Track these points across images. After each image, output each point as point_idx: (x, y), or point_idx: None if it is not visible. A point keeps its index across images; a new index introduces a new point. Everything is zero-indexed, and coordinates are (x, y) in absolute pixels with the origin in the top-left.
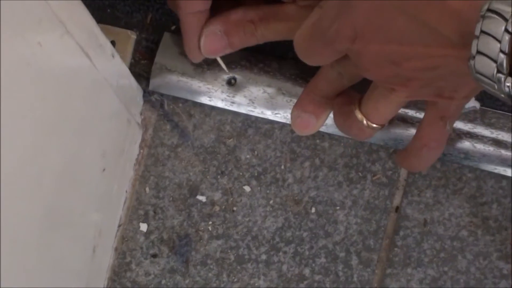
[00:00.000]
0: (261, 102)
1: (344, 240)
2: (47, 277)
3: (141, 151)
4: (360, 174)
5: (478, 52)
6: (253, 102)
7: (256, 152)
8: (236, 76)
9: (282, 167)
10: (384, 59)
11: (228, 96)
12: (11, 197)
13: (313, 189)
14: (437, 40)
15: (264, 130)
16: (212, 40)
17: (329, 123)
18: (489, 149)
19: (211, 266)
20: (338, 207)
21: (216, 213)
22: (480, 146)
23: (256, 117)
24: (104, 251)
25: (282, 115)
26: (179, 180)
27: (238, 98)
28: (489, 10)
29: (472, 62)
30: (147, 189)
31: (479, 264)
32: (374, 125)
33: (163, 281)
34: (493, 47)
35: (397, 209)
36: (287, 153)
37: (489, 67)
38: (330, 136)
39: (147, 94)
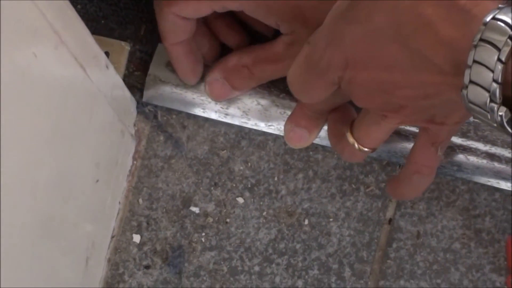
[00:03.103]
0: (255, 114)
1: (337, 252)
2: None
3: (135, 162)
4: (353, 186)
5: (471, 82)
6: (246, 114)
7: (249, 164)
8: None
9: (276, 178)
10: (376, 87)
11: (221, 107)
12: (5, 207)
13: (306, 201)
14: (429, 69)
15: (258, 142)
16: (216, 87)
17: (322, 135)
18: (482, 161)
19: (204, 278)
20: (331, 219)
21: (209, 224)
22: (473, 159)
23: (250, 129)
24: (97, 262)
25: (276, 127)
26: (172, 192)
27: (232, 110)
28: (481, 39)
29: (464, 91)
30: (140, 200)
31: (472, 277)
32: (366, 149)
33: None
34: (485, 77)
35: (390, 221)
36: (280, 164)
37: (481, 97)
38: (324, 148)
39: (141, 105)
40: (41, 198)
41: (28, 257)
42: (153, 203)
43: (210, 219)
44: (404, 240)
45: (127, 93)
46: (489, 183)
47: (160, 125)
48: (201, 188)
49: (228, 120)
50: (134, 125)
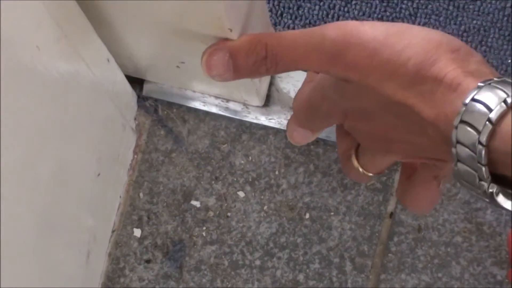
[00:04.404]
0: (255, 108)
1: (338, 246)
2: (42, 281)
3: (135, 156)
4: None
5: (458, 161)
6: (247, 108)
7: (250, 158)
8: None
9: (276, 172)
10: (375, 136)
11: (222, 101)
12: (8, 200)
13: (307, 195)
14: (422, 135)
15: (259, 136)
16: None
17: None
18: None
19: (205, 272)
20: (332, 213)
21: (210, 218)
22: None
23: (251, 123)
24: (98, 256)
25: (276, 121)
26: (173, 186)
27: (232, 104)
28: (461, 121)
29: (455, 167)
30: (141, 194)
31: (473, 270)
32: (371, 174)
33: (157, 287)
34: (470, 157)
35: (391, 215)
36: (281, 158)
37: (470, 175)
38: (325, 141)
39: (141, 99)
40: (42, 191)
41: (30, 251)
42: (154, 197)
43: (211, 213)
44: (405, 234)
45: (127, 86)
46: None
47: (161, 119)
48: (202, 182)
49: (228, 113)
50: (135, 119)
